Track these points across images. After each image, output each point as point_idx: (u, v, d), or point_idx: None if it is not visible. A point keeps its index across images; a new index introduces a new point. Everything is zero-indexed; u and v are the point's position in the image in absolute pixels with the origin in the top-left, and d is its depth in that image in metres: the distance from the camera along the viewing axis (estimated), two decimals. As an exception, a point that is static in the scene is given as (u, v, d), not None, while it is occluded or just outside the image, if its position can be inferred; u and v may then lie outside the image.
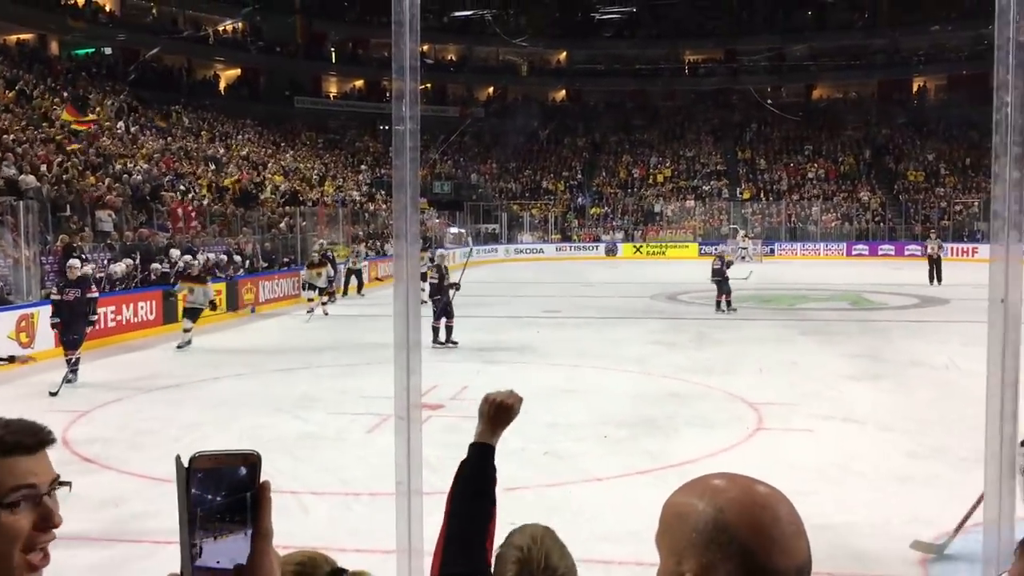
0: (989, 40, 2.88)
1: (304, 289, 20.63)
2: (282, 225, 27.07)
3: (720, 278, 19.33)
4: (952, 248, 37.30)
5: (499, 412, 2.35)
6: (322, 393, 11.24)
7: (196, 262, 16.87)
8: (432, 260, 16.45)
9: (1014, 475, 3.03)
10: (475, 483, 2.25)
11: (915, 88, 51.34)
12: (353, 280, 24.49)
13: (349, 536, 6.21)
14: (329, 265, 20.62)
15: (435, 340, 14.87)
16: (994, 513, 3.00)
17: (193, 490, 0.90)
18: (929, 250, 27.27)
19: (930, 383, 11.44)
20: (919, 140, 47.50)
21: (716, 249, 25.16)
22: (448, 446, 8.49)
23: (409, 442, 3.12)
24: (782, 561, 1.03)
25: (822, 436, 8.90)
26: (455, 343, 14.93)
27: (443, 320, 14.97)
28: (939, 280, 25.38)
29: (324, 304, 20.03)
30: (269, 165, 34.75)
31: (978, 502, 5.04)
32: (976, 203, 39.77)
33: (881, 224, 42.54)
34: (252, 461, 0.93)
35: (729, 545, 1.04)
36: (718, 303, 19.38)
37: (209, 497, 0.90)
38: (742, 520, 1.05)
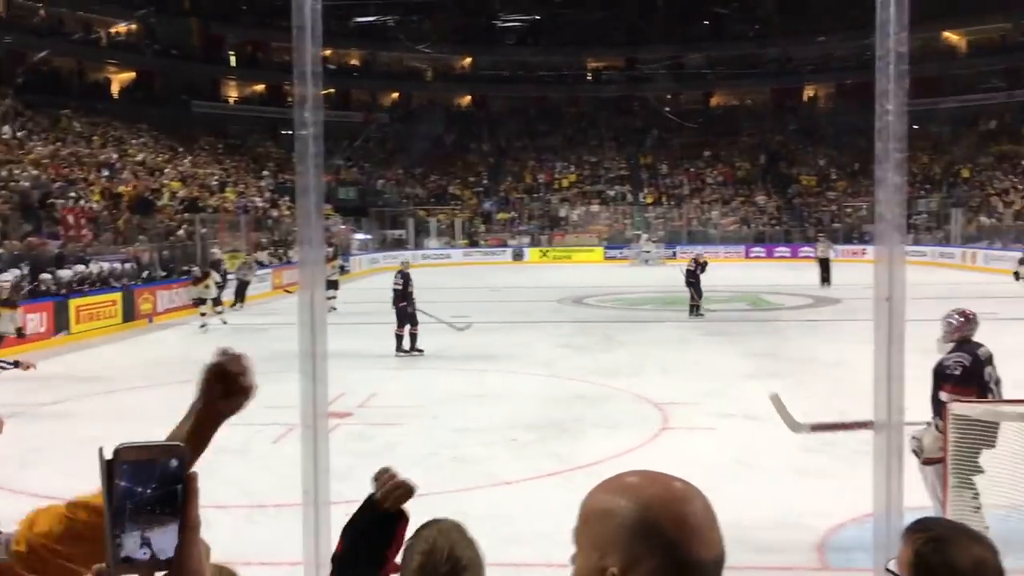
0: (873, 51, 3.02)
1: (196, 306, 19.66)
2: (180, 232, 26.34)
3: (694, 281, 19.24)
4: (843, 250, 38.78)
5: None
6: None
7: (6, 283, 14.61)
8: (401, 272, 15.31)
9: (902, 469, 3.18)
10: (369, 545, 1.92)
11: (806, 96, 53.24)
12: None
13: (255, 549, 6.09)
14: (214, 273, 19.81)
15: (398, 348, 14.57)
16: (883, 503, 3.15)
17: (122, 483, 0.89)
18: (819, 252, 27.75)
19: (824, 379, 11.87)
20: (810, 146, 49.29)
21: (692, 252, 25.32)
22: (357, 455, 8.45)
23: (316, 451, 3.10)
24: (703, 553, 1.08)
25: (724, 433, 9.14)
26: (420, 351, 14.61)
27: (407, 328, 14.62)
28: (828, 281, 25.96)
29: (220, 313, 19.35)
30: (166, 171, 33.75)
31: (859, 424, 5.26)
32: (864, 207, 41.41)
33: (777, 227, 43.92)
34: (180, 453, 0.92)
35: (654, 539, 1.08)
36: (693, 308, 19.22)
37: (139, 490, 0.89)
38: (665, 515, 1.09)
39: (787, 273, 31.12)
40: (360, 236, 40.95)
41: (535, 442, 8.96)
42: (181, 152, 38.19)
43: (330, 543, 3.43)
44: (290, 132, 3.30)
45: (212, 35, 46.64)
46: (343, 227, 39.51)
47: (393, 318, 14.82)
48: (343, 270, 23.55)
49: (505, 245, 43.35)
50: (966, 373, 5.87)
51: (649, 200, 46.91)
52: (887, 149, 2.93)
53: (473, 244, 43.84)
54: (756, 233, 43.53)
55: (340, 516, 6.64)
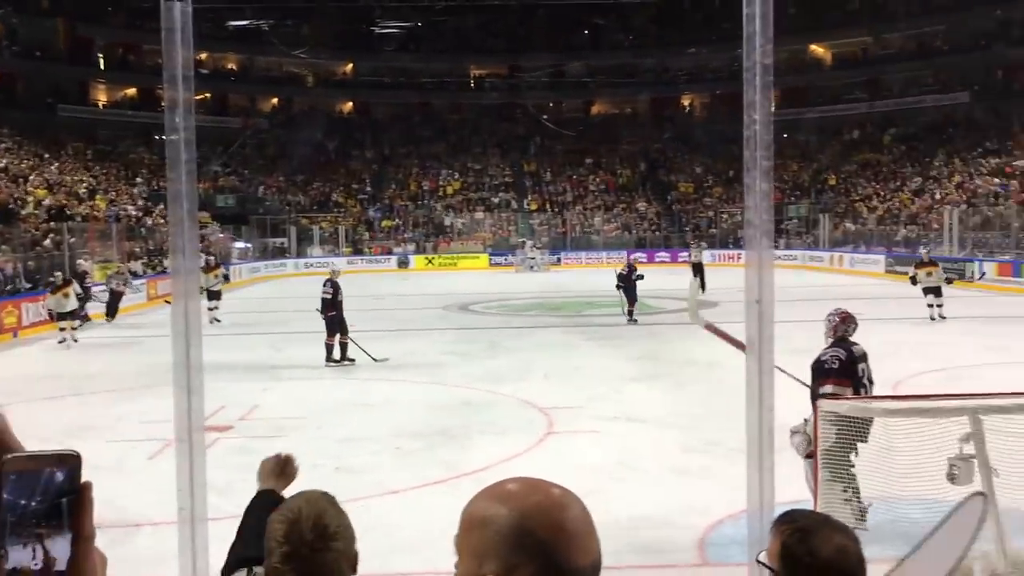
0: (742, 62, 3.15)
1: (53, 319, 18.06)
2: (47, 242, 25.09)
3: (625, 285, 19.11)
4: (720, 255, 40.16)
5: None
6: (96, 420, 10.52)
7: None
8: (331, 281, 14.66)
9: (773, 465, 3.31)
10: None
11: (683, 105, 54.88)
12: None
13: (131, 570, 5.84)
14: (76, 284, 18.54)
15: (328, 358, 14.13)
16: (756, 499, 3.27)
17: (5, 495, 0.84)
18: (692, 257, 27.92)
19: (702, 380, 12.23)
20: (688, 154, 50.84)
21: (630, 256, 25.83)
22: (239, 468, 8.21)
23: (192, 466, 3.01)
24: (579, 559, 1.09)
25: (607, 436, 9.31)
26: (351, 360, 14.19)
27: (337, 337, 14.21)
28: (703, 286, 25.53)
29: (74, 329, 17.69)
30: (31, 178, 32.11)
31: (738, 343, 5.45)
32: (739, 212, 42.96)
33: (657, 233, 45.10)
34: (71, 463, 0.88)
35: (532, 547, 1.09)
36: (629, 313, 19.13)
37: (23, 503, 0.85)
38: (542, 522, 1.10)
39: (668, 278, 31.90)
40: (240, 244, 39.94)
41: (421, 450, 8.92)
42: (47, 158, 36.39)
43: (208, 560, 3.32)
44: (163, 137, 3.20)
45: (79, 36, 44.63)
46: (222, 235, 38.46)
47: (320, 326, 14.46)
48: (226, 279, 22.51)
49: (390, 253, 43.06)
50: (842, 367, 6.18)
51: (533, 207, 47.42)
52: (755, 157, 3.06)
53: (357, 252, 43.36)
54: (637, 239, 44.57)
55: (220, 532, 6.45)
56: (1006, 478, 5.27)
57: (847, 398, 5.95)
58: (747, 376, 3.17)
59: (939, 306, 18.43)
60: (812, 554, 1.65)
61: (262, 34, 43.11)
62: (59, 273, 19.05)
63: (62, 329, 17.55)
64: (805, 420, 6.14)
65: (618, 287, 19.36)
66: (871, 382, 6.44)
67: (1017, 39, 43.36)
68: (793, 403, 6.30)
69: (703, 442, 8.86)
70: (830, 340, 6.53)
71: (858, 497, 5.80)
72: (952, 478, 5.16)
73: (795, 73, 49.29)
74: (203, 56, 47.75)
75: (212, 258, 23.96)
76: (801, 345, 6.52)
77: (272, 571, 1.77)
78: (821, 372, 6.22)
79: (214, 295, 20.75)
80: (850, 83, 50.05)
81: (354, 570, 1.84)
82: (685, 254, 42.23)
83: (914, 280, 19.02)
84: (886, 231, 38.04)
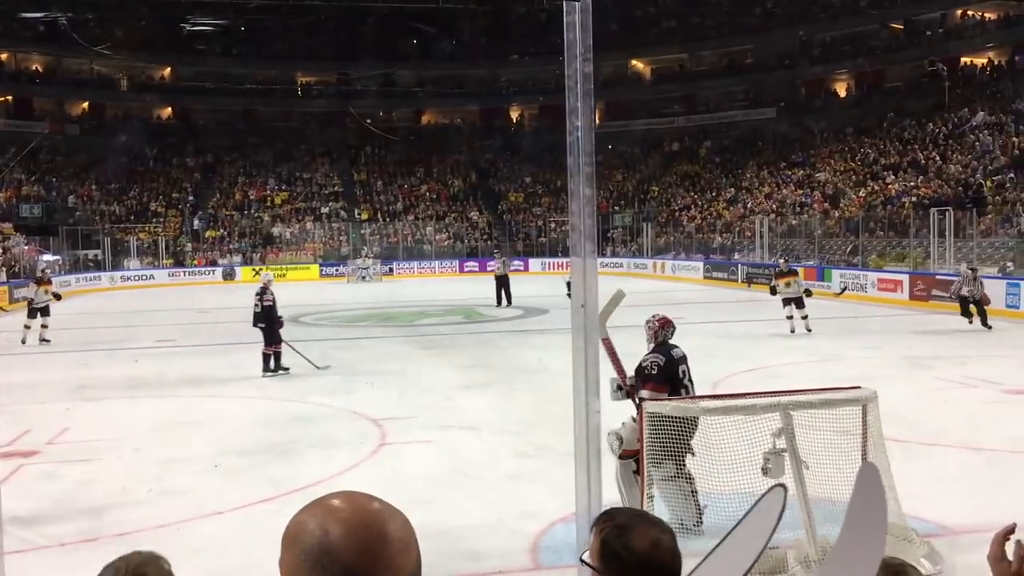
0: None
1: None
2: None
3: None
4: (550, 263, 41.10)
5: None
6: None
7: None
8: (267, 288, 14.34)
9: (600, 467, 3.38)
10: None
11: (512, 115, 55.80)
12: None
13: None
14: None
15: (266, 368, 13.73)
16: (584, 501, 3.32)
17: None
18: (497, 270, 25.77)
19: (533, 386, 12.42)
20: (517, 164, 51.72)
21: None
22: (45, 497, 7.65)
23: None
24: None
25: (441, 445, 9.27)
26: (286, 369, 13.83)
27: (273, 347, 13.86)
28: (509, 300, 24.72)
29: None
30: None
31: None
32: (567, 221, 44.10)
33: (488, 241, 45.59)
34: None
35: (332, 567, 1.06)
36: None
37: None
38: (346, 542, 1.07)
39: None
40: (48, 257, 37.34)
41: (248, 468, 8.58)
42: None
43: (4, 600, 3.05)
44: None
45: None
46: (27, 247, 35.88)
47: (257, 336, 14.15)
48: (57, 297, 20.44)
49: (215, 264, 41.48)
50: (661, 372, 6.41)
51: (364, 216, 46.89)
52: (578, 163, 3.11)
53: (179, 264, 41.51)
54: (469, 248, 44.90)
55: (29, 565, 5.98)
56: (815, 469, 5.62)
57: (668, 399, 6.17)
58: (574, 380, 3.21)
59: (804, 317, 17.25)
60: (628, 549, 1.69)
61: (63, 31, 40.44)
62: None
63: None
64: (623, 423, 6.33)
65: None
66: (692, 383, 6.71)
67: (817, 58, 46.75)
68: (616, 404, 6.48)
69: (535, 447, 8.97)
70: (651, 345, 6.76)
71: (695, 498, 6.04)
72: (766, 471, 5.45)
73: (618, 87, 51.14)
74: (3, 56, 44.53)
75: (46, 271, 21.98)
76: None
77: None
78: (641, 376, 6.44)
79: (43, 312, 18.95)
80: (669, 97, 52.44)
81: None
82: (517, 262, 43.01)
83: (773, 290, 17.87)
84: (704, 239, 40.01)
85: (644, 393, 6.28)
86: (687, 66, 52.10)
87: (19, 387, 10.83)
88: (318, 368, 14.11)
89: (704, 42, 50.37)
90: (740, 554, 1.63)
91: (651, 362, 6.46)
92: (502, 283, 24.94)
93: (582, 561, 1.78)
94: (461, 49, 52.83)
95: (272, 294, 14.23)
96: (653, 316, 6.99)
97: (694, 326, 19.08)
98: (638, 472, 6.09)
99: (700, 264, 36.21)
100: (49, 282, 20.21)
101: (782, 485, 1.82)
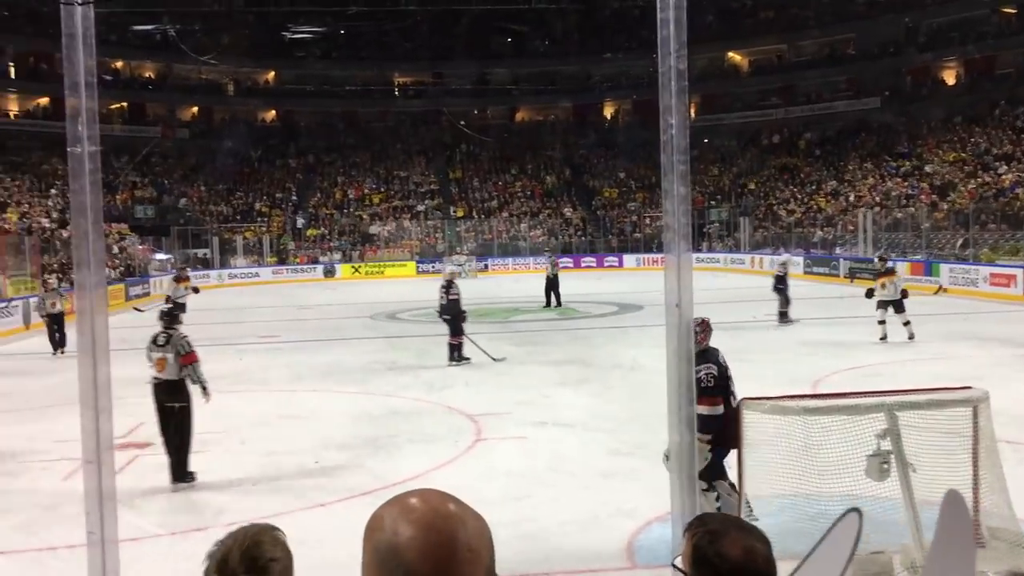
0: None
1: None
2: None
3: (782, 286, 18.90)
4: (645, 259, 40.74)
5: None
6: (8, 442, 10.11)
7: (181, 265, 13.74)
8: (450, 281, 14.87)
9: (694, 467, 3.34)
10: None
11: (606, 111, 55.49)
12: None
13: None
14: None
15: (450, 358, 14.57)
16: (679, 501, 3.29)
17: None
18: (549, 271, 24.45)
19: (628, 384, 12.34)
20: (610, 160, 51.40)
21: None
22: (158, 487, 7.98)
23: (101, 488, 2.89)
24: None
25: (535, 442, 9.31)
26: (467, 359, 14.63)
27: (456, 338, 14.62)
28: (558, 301, 23.83)
29: None
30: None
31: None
32: (661, 217, 43.61)
33: (583, 238, 45.47)
34: None
35: (396, 569, 1.08)
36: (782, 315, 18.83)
37: None
38: (413, 543, 1.08)
39: (594, 283, 32.24)
40: (160, 256, 38.98)
41: (348, 461, 8.79)
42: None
43: (121, 585, 3.21)
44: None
45: (-13, 45, 43.06)
46: (141, 247, 37.49)
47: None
48: (195, 291, 21.66)
49: (316, 262, 42.54)
50: (718, 384, 6.22)
51: (460, 214, 47.35)
52: (672, 161, 3.09)
53: (282, 262, 42.73)
54: (563, 244, 44.87)
55: (142, 552, 6.26)
56: (922, 472, 5.43)
57: (761, 398, 6.03)
58: (668, 379, 3.19)
59: (905, 324, 15.36)
60: (720, 555, 1.68)
61: (171, 41, 42.06)
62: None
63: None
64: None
65: (776, 289, 18.80)
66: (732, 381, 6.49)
67: (924, 45, 44.99)
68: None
69: (630, 445, 8.92)
70: (696, 351, 6.41)
71: (735, 491, 5.91)
72: (871, 474, 5.30)
73: (714, 80, 50.29)
74: (118, 64, 46.55)
75: (185, 269, 23.15)
76: (726, 346, 6.60)
77: None
78: (696, 390, 6.14)
79: (180, 308, 19.54)
80: (767, 89, 51.27)
81: None
82: (611, 258, 42.80)
83: (870, 293, 16.08)
84: (804, 233, 39.04)
85: (702, 409, 5.81)
86: (786, 57, 50.84)
87: (134, 381, 11.28)
88: (494, 360, 14.41)
89: (804, 32, 49.06)
90: None
91: (706, 374, 6.14)
92: (551, 284, 23.97)
93: (674, 567, 1.77)
94: (554, 46, 52.79)
95: (458, 288, 14.75)
96: (693, 320, 6.63)
97: (794, 323, 18.65)
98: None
99: (800, 258, 35.36)
100: (187, 279, 21.28)
101: (856, 510, 1.77)
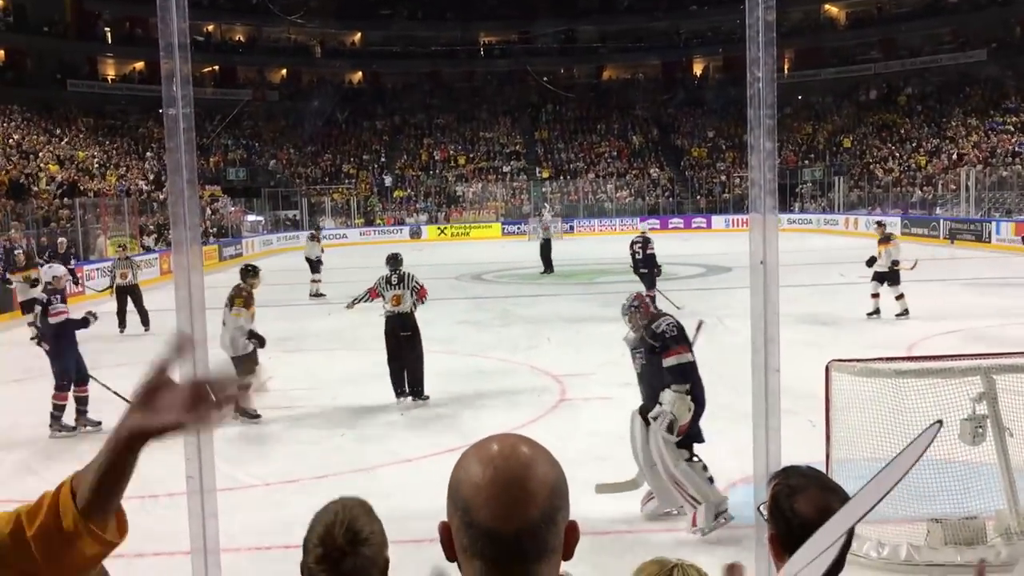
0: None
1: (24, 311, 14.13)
2: (62, 220, 25.18)
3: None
4: (734, 219, 39.98)
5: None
6: (99, 393, 10.59)
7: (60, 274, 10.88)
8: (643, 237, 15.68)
9: (779, 427, 3.29)
10: None
11: (695, 68, 54.29)
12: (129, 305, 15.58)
13: (146, 541, 5.91)
14: (48, 267, 12.04)
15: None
16: (763, 461, 3.26)
17: None
18: (541, 234, 23.86)
19: (713, 346, 12.17)
20: (700, 118, 50.37)
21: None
22: (252, 439, 8.28)
23: (199, 435, 3.01)
24: (495, 522, 1.11)
25: (620, 403, 9.28)
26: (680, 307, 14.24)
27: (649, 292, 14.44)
28: (549, 267, 23.22)
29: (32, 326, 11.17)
30: (42, 154, 32.21)
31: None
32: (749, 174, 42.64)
33: (671, 199, 44.85)
34: None
35: (456, 499, 1.15)
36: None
37: None
38: (469, 479, 1.14)
39: (681, 244, 31.83)
40: (252, 218, 40.04)
41: (435, 418, 8.96)
42: (58, 134, 36.49)
43: (217, 528, 3.35)
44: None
45: (86, 11, 44.51)
46: (233, 209, 38.54)
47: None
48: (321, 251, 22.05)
49: (402, 223, 43.07)
50: (681, 332, 6.14)
51: (545, 175, 47.18)
52: (759, 116, 3.02)
53: (369, 223, 43.38)
54: (650, 205, 44.35)
55: (231, 501, 6.51)
56: (1020, 437, 5.26)
57: (851, 361, 5.90)
58: (752, 339, 3.15)
59: (898, 297, 14.04)
60: (794, 511, 1.73)
61: (265, 3, 42.81)
62: (19, 250, 16.19)
63: (31, 324, 11.60)
64: (663, 402, 6.04)
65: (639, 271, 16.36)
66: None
67: (1035, -7, 42.63)
68: (799, 365, 6.25)
69: (714, 406, 8.79)
70: (645, 321, 6.22)
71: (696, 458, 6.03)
72: (964, 438, 5.15)
73: (809, 34, 48.68)
74: (210, 28, 47.57)
75: (319, 229, 23.59)
76: (812, 309, 6.46)
77: (307, 570, 1.92)
78: (666, 342, 6.02)
79: (315, 266, 20.26)
80: (865, 43, 49.38)
81: (384, 574, 1.94)
82: (699, 219, 42.11)
83: (871, 261, 14.54)
84: (902, 192, 37.73)
85: (671, 360, 5.95)
86: (886, 8, 48.80)
87: (212, 339, 11.71)
88: (678, 308, 13.64)
89: (906, -19, 47.04)
90: (887, 480, 1.58)
91: (668, 324, 6.09)
92: (544, 249, 23.09)
93: (759, 511, 1.82)
94: (642, 2, 51.81)
95: (653, 244, 15.50)
96: (630, 299, 6.44)
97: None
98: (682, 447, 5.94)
99: (897, 219, 34.22)
100: (319, 239, 21.53)
101: (940, 422, 1.76)
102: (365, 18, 50.42)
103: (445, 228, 42.85)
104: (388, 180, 46.30)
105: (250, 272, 9.73)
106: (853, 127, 46.46)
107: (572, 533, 1.18)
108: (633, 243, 15.85)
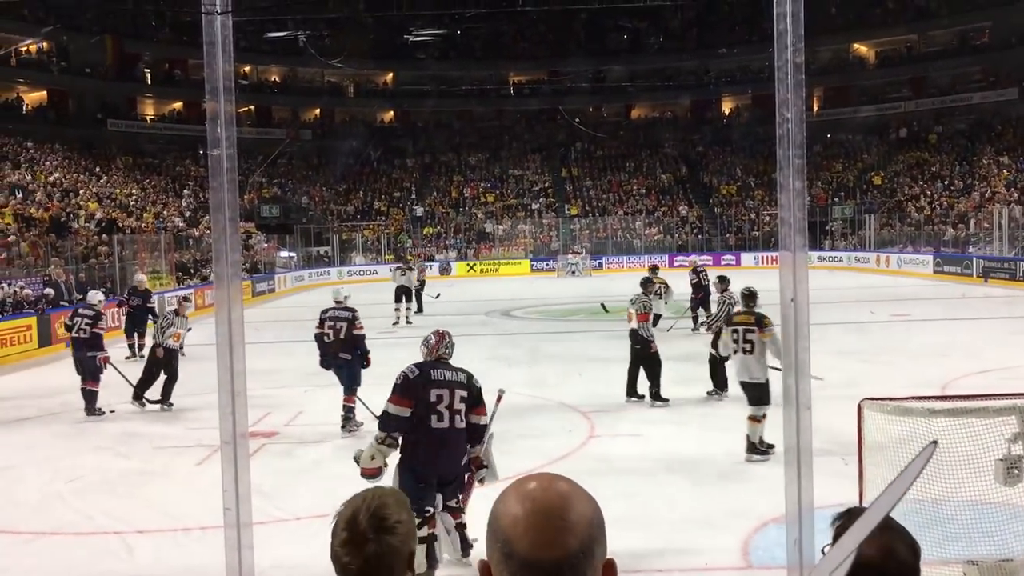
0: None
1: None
2: (100, 256, 25.60)
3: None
4: (763, 256, 39.82)
5: None
6: (146, 427, 10.73)
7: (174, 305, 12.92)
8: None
9: (811, 465, 3.30)
10: None
11: (723, 107, 54.46)
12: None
13: (178, 573, 5.97)
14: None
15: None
16: (795, 500, 3.26)
17: None
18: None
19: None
20: (729, 156, 50.42)
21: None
22: (283, 473, 8.34)
23: (237, 468, 3.08)
24: (535, 552, 1.13)
25: (649, 440, 9.28)
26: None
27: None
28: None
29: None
30: (82, 192, 32.86)
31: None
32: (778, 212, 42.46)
33: (699, 236, 44.78)
34: None
35: (495, 531, 1.17)
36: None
37: None
38: (505, 511, 1.17)
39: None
40: (284, 254, 40.47)
41: (464, 455, 8.96)
42: (97, 172, 37.24)
43: (253, 561, 3.40)
44: (207, 151, 3.27)
45: (126, 53, 45.59)
46: (267, 245, 38.99)
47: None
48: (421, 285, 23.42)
49: (432, 259, 43.32)
50: (406, 386, 5.73)
51: (574, 212, 47.35)
52: (788, 156, 3.06)
53: (400, 259, 43.67)
54: (679, 242, 44.30)
55: (265, 535, 6.58)
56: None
57: (885, 399, 5.86)
58: (784, 378, 3.16)
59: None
60: (857, 552, 1.70)
61: (301, 46, 43.67)
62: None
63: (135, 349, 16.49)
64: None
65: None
66: (462, 416, 5.83)
67: (1067, 32, 42.46)
68: (831, 403, 6.24)
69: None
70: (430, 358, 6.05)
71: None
72: (998, 478, 5.09)
73: (838, 72, 48.72)
74: (246, 69, 48.51)
75: (413, 260, 24.52)
76: (843, 347, 6.44)
77: (333, 553, 1.88)
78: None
79: (407, 296, 21.85)
80: (895, 81, 49.32)
81: (410, 567, 1.91)
82: (728, 256, 41.98)
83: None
84: (934, 231, 37.44)
85: (389, 406, 5.60)
86: (916, 47, 48.78)
87: (262, 373, 11.82)
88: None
89: (935, 20, 46.97)
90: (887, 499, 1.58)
91: (404, 371, 5.77)
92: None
93: (823, 552, 1.81)
94: (671, 42, 52.17)
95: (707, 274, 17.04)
96: (432, 333, 6.30)
97: (922, 324, 17.95)
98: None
99: (929, 257, 33.91)
100: (416, 268, 23.43)
101: (935, 442, 1.76)
102: (397, 58, 51.21)
103: (474, 264, 43.03)
104: (419, 210, 46.72)
105: None
106: (884, 165, 46.27)
107: (610, 571, 1.19)
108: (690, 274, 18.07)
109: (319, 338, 10.56)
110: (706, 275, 17.92)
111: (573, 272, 39.51)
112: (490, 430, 6.09)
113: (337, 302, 10.88)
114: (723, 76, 52.40)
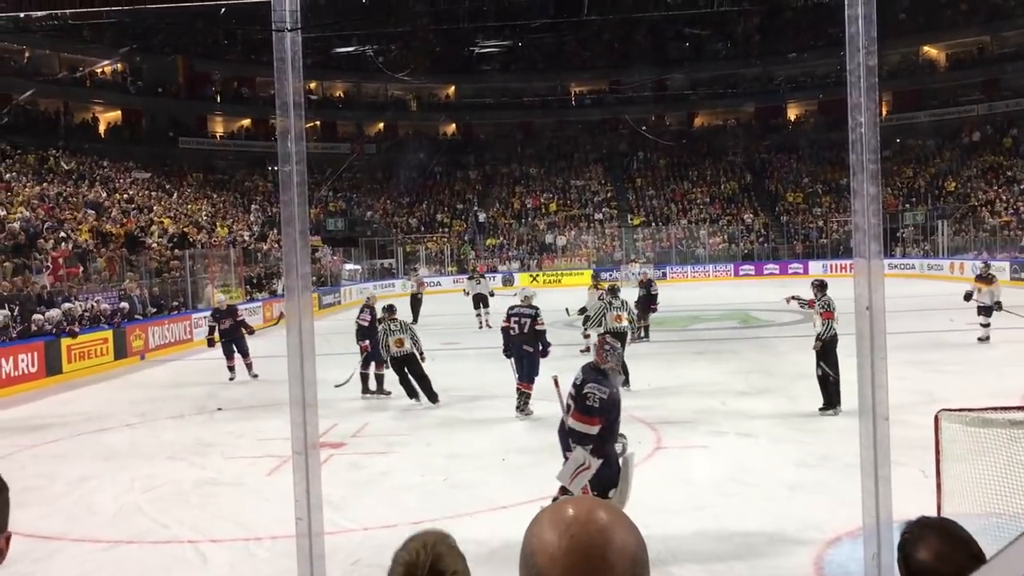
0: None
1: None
2: (173, 271, 26.28)
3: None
4: (832, 265, 39.05)
5: None
6: (218, 438, 10.94)
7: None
8: (367, 306, 14.04)
9: (889, 478, 3.21)
10: None
11: (789, 113, 53.65)
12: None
13: (251, 582, 6.06)
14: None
15: (364, 390, 13.34)
16: (872, 513, 3.17)
17: None
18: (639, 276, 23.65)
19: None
20: (795, 163, 49.62)
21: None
22: (351, 484, 8.42)
23: (308, 477, 3.11)
24: None
25: (717, 451, 9.15)
26: (388, 393, 13.25)
27: (372, 367, 13.40)
28: (415, 318, 23.38)
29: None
30: (155, 208, 33.79)
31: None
32: (850, 220, 41.63)
33: (765, 244, 44.12)
34: None
35: (529, 568, 1.10)
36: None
37: None
38: (541, 546, 1.09)
39: (777, 290, 31.16)
40: (350, 266, 41.01)
41: (529, 466, 8.95)
42: (169, 189, 38.26)
43: (324, 570, 3.43)
44: (275, 167, 3.32)
45: (197, 72, 46.86)
46: (333, 258, 39.55)
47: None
48: (491, 294, 24.36)
49: (495, 271, 43.43)
50: (603, 407, 6.06)
51: (636, 222, 47.07)
52: (861, 161, 2.99)
53: (463, 271, 43.91)
54: (744, 251, 43.72)
55: (334, 545, 6.63)
56: None
57: (964, 410, 5.69)
58: (859, 386, 3.09)
59: (984, 325, 16.47)
60: (911, 556, 1.76)
61: (367, 61, 44.35)
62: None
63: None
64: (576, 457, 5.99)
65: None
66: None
67: None
68: (908, 414, 6.07)
69: (816, 457, 8.62)
70: (600, 367, 6.27)
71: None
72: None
73: (908, 76, 47.67)
74: (312, 85, 49.41)
75: (478, 268, 25.36)
76: (920, 356, 6.27)
77: None
78: (580, 406, 6.10)
79: (483, 301, 23.20)
80: (966, 84, 48.02)
81: None
82: (796, 265, 41.26)
83: (968, 296, 16.96)
84: (1011, 236, 36.30)
85: (575, 423, 6.01)
86: (988, 49, 47.46)
87: (330, 383, 11.93)
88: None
89: (1008, 21, 45.64)
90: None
91: (595, 394, 6.09)
92: (414, 302, 25.03)
93: (872, 558, 1.83)
94: (734, 49, 51.65)
95: (369, 314, 13.80)
96: (603, 338, 6.54)
97: (1001, 332, 17.38)
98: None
99: (1006, 264, 32.87)
100: (483, 276, 24.52)
101: None
102: (459, 71, 51.66)
103: (537, 275, 43.04)
104: (481, 216, 46.96)
105: None
106: (956, 170, 45.06)
107: None
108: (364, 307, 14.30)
109: (505, 331, 12.15)
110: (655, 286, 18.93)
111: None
112: (629, 449, 6.39)
113: (523, 300, 12.46)
114: (788, 82, 51.63)
